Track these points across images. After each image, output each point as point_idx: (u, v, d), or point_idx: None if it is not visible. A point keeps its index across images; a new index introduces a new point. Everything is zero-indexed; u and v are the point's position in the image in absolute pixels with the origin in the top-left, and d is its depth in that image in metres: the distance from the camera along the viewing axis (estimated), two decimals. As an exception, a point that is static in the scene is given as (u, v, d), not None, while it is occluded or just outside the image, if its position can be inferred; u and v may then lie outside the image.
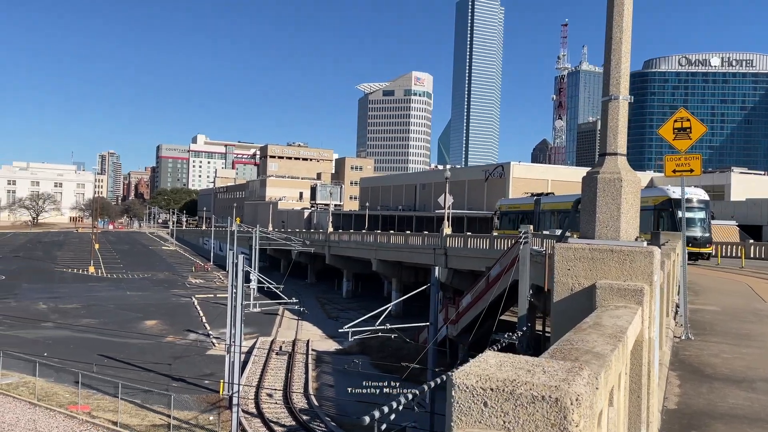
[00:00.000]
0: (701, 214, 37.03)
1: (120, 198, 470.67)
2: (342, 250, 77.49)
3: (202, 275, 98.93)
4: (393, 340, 40.85)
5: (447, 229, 52.08)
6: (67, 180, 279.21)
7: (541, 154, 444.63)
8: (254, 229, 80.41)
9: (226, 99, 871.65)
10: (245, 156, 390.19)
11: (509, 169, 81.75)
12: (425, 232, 60.21)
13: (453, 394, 1.99)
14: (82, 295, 71.55)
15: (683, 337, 11.46)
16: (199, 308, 65.58)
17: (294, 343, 49.24)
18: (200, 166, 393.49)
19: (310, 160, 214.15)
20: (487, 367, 2.11)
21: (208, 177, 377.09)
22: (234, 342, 32.64)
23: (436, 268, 27.32)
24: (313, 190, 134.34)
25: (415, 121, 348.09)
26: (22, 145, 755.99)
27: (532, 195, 56.04)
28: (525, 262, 24.88)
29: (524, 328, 23.84)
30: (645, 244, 5.45)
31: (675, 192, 36.23)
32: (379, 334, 28.68)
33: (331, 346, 50.01)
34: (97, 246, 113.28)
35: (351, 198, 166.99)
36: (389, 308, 27.81)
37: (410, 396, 14.61)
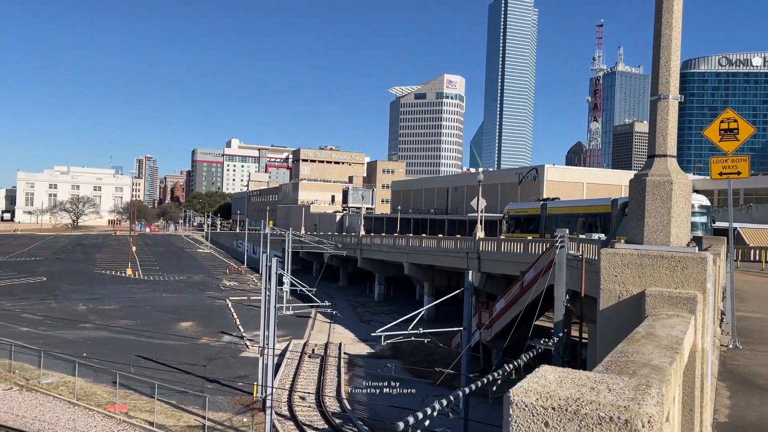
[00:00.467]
0: (703, 219, 39.99)
1: (156, 201, 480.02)
2: (374, 254, 77.48)
3: (236, 278, 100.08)
4: (425, 344, 40.67)
5: (480, 233, 51.62)
6: (105, 184, 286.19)
7: (576, 156, 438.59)
8: (287, 232, 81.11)
9: (260, 103, 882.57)
10: (278, 160, 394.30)
11: (543, 172, 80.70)
12: (458, 236, 59.84)
13: (511, 412, 1.85)
14: (119, 297, 73.03)
15: (731, 346, 11.04)
16: (233, 310, 66.30)
17: (326, 346, 49.35)
18: (234, 170, 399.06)
19: (342, 163, 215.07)
20: (547, 383, 1.96)
21: (241, 180, 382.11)
22: (267, 344, 32.83)
23: (470, 272, 27.05)
24: (345, 193, 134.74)
25: (447, 124, 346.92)
26: (63, 150, 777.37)
27: (539, 200, 58.02)
28: (561, 267, 24.42)
29: (560, 334, 23.39)
30: (696, 249, 5.21)
31: None
32: (412, 338, 28.50)
33: (363, 349, 49.97)
34: (134, 248, 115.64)
35: (383, 201, 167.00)
36: (422, 312, 27.60)
37: (445, 402, 14.39)
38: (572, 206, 53.21)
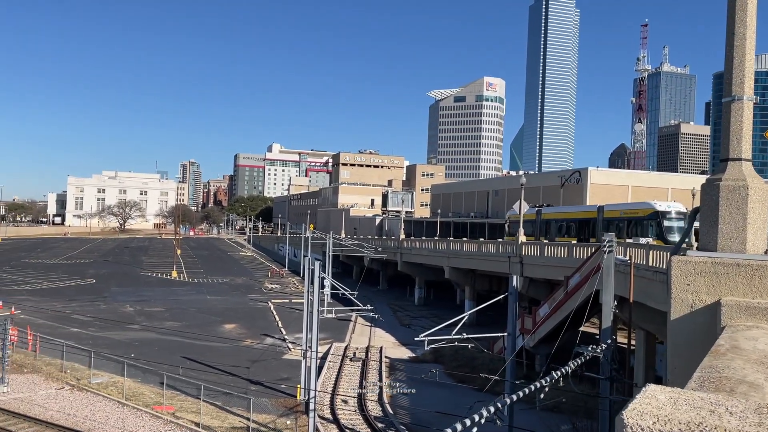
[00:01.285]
0: (680, 224, 44.78)
1: (200, 205, 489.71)
2: (414, 257, 77.33)
3: (278, 280, 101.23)
4: (466, 349, 40.27)
5: (522, 237, 50.95)
6: (151, 188, 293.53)
7: (619, 159, 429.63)
8: (327, 236, 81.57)
9: (300, 108, 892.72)
10: (318, 164, 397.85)
11: (587, 175, 79.27)
12: (500, 240, 59.20)
13: (625, 436, 1.74)
14: (165, 299, 74.67)
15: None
16: (275, 313, 67.03)
17: (367, 349, 49.40)
18: (275, 174, 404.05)
19: (381, 167, 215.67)
20: (660, 405, 1.85)
21: (282, 184, 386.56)
22: (310, 347, 33.02)
23: (514, 276, 26.66)
24: (385, 197, 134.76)
25: (486, 127, 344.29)
26: (111, 155, 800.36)
27: (535, 206, 64.72)
28: (609, 272, 23.84)
29: (608, 341, 22.80)
30: (774, 257, 4.94)
31: (660, 205, 46.61)
32: (455, 343, 28.26)
33: (404, 353, 49.85)
34: (179, 251, 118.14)
35: (422, 205, 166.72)
36: (465, 318, 27.36)
37: (492, 409, 14.15)
38: (562, 212, 61.29)
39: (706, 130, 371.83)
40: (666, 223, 45.13)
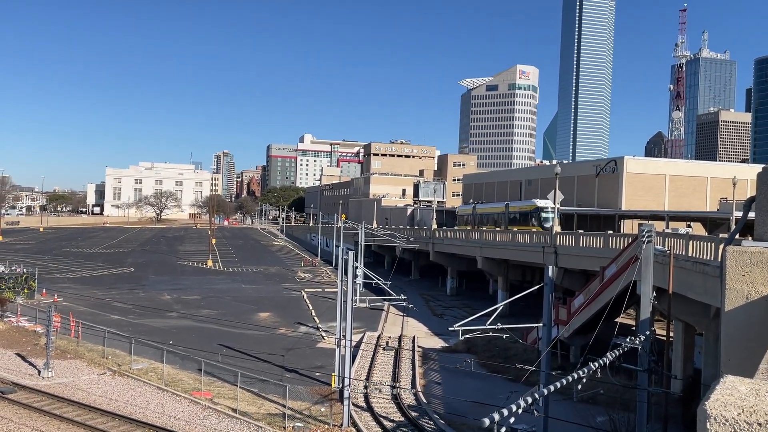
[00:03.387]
0: (553, 215, 58.25)
1: (233, 195, 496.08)
2: (446, 247, 77.11)
3: (311, 270, 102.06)
4: (499, 339, 40.06)
5: (557, 227, 50.35)
6: (186, 179, 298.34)
7: (656, 147, 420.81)
8: (359, 226, 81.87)
9: (332, 98, 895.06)
10: (349, 154, 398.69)
11: (622, 164, 77.83)
12: (534, 230, 58.61)
13: (709, 427, 1.71)
14: (201, 287, 76.02)
15: None
16: (308, 302, 67.66)
17: (400, 338, 49.56)
18: (307, 165, 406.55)
19: (413, 157, 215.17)
20: (743, 396, 1.80)
21: (314, 175, 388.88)
22: (344, 336, 33.27)
23: (550, 267, 26.39)
24: (416, 187, 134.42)
25: (519, 116, 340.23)
26: (147, 146, 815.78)
27: (472, 202, 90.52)
28: (648, 263, 23.40)
29: (647, 333, 22.43)
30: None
31: (540, 202, 67.07)
32: (490, 333, 28.15)
33: (437, 343, 49.88)
34: (213, 241, 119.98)
35: (454, 195, 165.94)
36: (499, 308, 27.20)
37: (530, 399, 14.09)
38: (488, 208, 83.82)
39: (747, 117, 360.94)
40: (543, 215, 64.41)
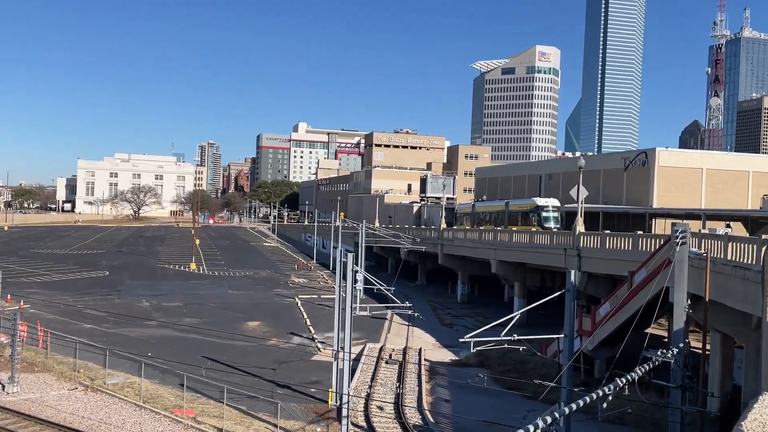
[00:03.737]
0: (555, 214, 70.75)
1: (219, 191, 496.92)
2: (456, 249, 77.18)
3: (305, 274, 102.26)
4: (515, 352, 40.09)
5: (580, 227, 50.32)
6: (167, 172, 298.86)
7: (691, 138, 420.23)
8: (360, 225, 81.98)
9: (330, 84, 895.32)
10: (349, 145, 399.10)
11: (654, 157, 77.71)
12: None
13: (746, 450, 1.71)
14: (183, 293, 76.20)
15: None
16: (302, 309, 67.79)
17: (405, 351, 49.63)
18: (301, 157, 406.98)
19: (420, 148, 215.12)
20: (784, 416, 1.81)
21: (309, 168, 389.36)
22: (342, 348, 33.33)
23: (572, 271, 26.40)
24: (423, 181, 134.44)
25: (539, 102, 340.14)
26: (123, 137, 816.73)
27: (474, 200, 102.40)
28: (682, 267, 23.38)
29: (680, 345, 22.42)
30: None
31: (540, 200, 73.66)
32: (505, 345, 28.15)
33: (446, 356, 49.95)
34: (197, 241, 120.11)
35: (465, 191, 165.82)
36: (516, 317, 27.19)
37: (549, 419, 14.08)
38: (488, 206, 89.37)
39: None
40: (543, 214, 70.41)
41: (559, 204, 72.92)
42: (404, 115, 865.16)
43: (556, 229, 66.14)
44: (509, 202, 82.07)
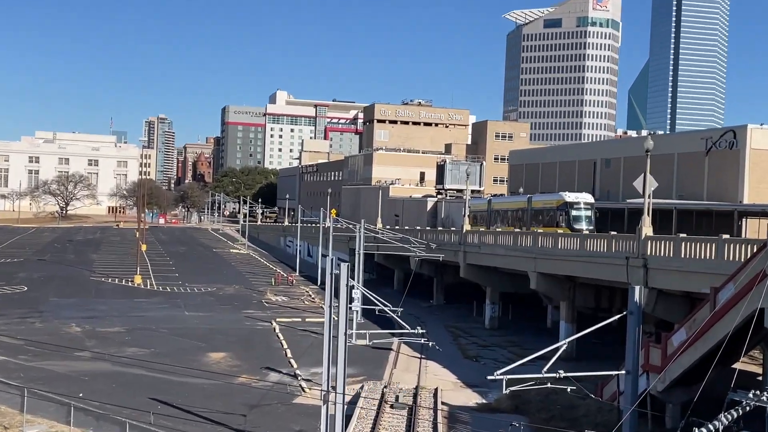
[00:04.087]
0: (588, 213, 75.05)
1: (173, 181, 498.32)
2: (484, 258, 77.05)
3: (286, 290, 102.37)
4: (561, 393, 40.05)
5: (647, 228, 50.20)
6: (104, 156, 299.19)
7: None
8: (358, 227, 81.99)
9: (316, 42, 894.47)
10: (343, 121, 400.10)
11: (745, 137, 77.58)
12: (612, 233, 58.49)
13: None
14: (126, 315, 76.30)
15: None
16: (281, 337, 67.86)
17: (416, 391, 49.63)
18: (280, 136, 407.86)
19: (436, 125, 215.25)
20: None
21: (291, 151, 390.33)
22: (333, 388, 33.34)
23: (637, 288, 26.35)
24: (441, 169, 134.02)
25: (593, 65, 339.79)
26: (47, 111, 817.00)
27: (488, 195, 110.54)
28: (781, 282, 23.33)
29: (779, 385, 22.38)
30: None
31: (569, 196, 76.83)
32: (547, 384, 28.11)
33: (470, 398, 49.93)
34: (144, 247, 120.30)
35: (495, 181, 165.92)
36: (562, 347, 27.13)
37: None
38: (511, 202, 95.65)
39: None
40: (574, 213, 74.97)
41: (592, 200, 78.10)
42: (415, 83, 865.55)
43: (588, 231, 70.35)
44: (532, 198, 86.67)
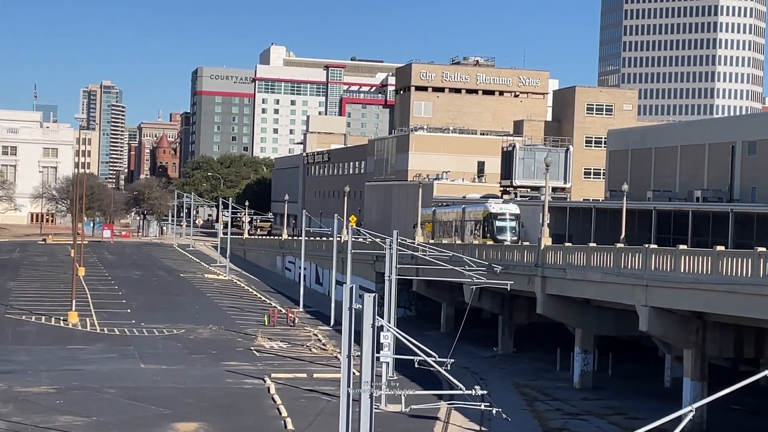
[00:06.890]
0: (512, 224, 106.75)
1: (124, 176, 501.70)
2: (570, 288, 76.57)
3: (285, 333, 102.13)
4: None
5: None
6: (24, 140, 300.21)
7: None
8: (388, 241, 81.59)
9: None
10: (365, 89, 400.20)
11: None
12: (759, 249, 57.95)
13: None
14: (56, 369, 76.27)
15: None
16: (278, 401, 67.51)
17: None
18: (276, 111, 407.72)
19: (501, 94, 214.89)
20: None
21: (291, 132, 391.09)
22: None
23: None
24: (508, 157, 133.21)
25: (730, 5, 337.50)
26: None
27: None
28: None
29: None
30: None
31: (494, 206, 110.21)
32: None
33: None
34: (82, 272, 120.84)
35: (587, 174, 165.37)
36: (689, 415, 26.79)
37: None
38: (450, 212, 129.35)
39: None
40: (498, 224, 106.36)
41: (518, 211, 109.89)
42: (466, 35, 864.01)
43: (512, 242, 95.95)
44: (466, 208, 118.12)
